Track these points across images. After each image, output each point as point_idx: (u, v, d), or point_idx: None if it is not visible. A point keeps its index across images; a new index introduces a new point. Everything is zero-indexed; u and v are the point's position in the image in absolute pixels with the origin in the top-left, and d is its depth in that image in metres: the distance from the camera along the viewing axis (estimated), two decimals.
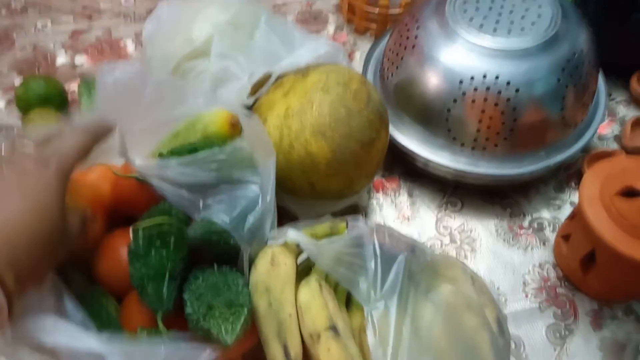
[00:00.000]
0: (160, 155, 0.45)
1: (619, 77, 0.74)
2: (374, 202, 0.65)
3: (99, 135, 0.40)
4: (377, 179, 0.67)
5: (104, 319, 0.43)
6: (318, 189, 0.54)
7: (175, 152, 0.44)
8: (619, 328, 0.55)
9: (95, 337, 0.35)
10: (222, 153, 0.43)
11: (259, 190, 0.43)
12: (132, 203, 0.47)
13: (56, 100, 0.69)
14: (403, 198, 0.66)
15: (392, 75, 0.64)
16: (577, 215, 0.54)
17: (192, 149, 0.43)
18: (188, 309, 0.40)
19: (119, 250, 0.45)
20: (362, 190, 0.60)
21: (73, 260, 0.44)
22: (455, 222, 0.63)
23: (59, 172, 0.35)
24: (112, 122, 0.41)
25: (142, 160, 0.42)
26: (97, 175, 0.49)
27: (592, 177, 0.51)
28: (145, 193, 0.46)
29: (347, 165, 0.53)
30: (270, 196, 0.44)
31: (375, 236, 0.46)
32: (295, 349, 0.40)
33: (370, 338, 0.41)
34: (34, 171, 0.34)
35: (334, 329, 0.41)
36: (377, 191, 0.66)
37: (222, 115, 0.48)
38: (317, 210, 0.57)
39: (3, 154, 0.37)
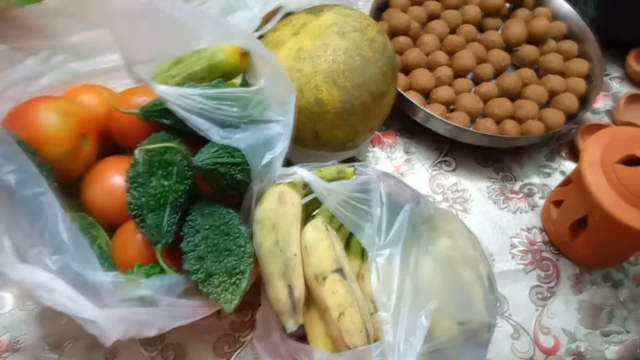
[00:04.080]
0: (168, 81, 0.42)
1: (615, 54, 0.75)
2: (370, 155, 0.64)
3: None
4: (374, 133, 0.65)
5: (95, 252, 0.39)
6: (322, 138, 0.52)
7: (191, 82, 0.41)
8: (596, 293, 0.57)
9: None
10: (247, 92, 0.40)
11: (282, 129, 0.41)
12: (130, 136, 0.44)
13: None
14: (399, 154, 0.65)
15: None
16: (573, 180, 0.54)
17: (218, 82, 0.41)
18: (186, 265, 0.38)
19: (113, 177, 0.42)
20: (363, 144, 0.58)
21: (60, 186, 0.41)
22: (449, 181, 0.63)
23: None
24: None
25: (165, 87, 0.38)
26: (90, 96, 0.45)
27: (595, 143, 0.51)
28: (145, 129, 0.43)
29: (355, 116, 0.51)
30: (289, 135, 0.42)
31: (382, 184, 0.45)
32: (300, 289, 0.39)
33: (374, 283, 0.41)
34: None
35: (340, 271, 0.40)
36: (374, 145, 0.65)
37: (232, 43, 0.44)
38: (315, 160, 0.54)
39: None
